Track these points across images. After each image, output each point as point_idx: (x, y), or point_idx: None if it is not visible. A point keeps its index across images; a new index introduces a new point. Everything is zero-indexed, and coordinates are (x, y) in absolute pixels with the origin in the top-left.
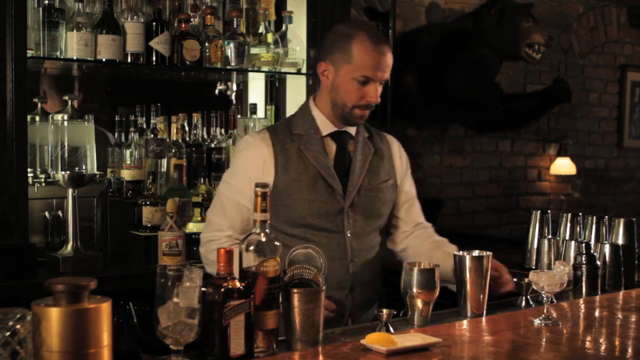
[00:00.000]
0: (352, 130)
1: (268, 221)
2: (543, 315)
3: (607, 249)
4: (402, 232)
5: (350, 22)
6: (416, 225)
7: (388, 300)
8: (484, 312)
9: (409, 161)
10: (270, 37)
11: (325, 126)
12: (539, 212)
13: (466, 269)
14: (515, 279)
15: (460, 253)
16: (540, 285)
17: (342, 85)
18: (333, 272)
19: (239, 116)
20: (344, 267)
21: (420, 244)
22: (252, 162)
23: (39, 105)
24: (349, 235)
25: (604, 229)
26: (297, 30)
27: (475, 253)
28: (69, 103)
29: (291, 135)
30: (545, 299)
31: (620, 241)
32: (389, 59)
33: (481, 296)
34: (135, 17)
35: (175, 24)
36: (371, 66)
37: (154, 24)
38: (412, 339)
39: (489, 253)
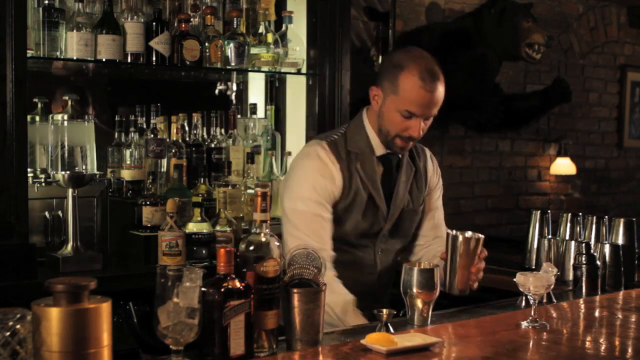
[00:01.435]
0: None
1: (268, 221)
2: (530, 318)
3: (607, 249)
4: (418, 245)
5: (407, 51)
6: (435, 238)
7: (388, 301)
8: (468, 290)
9: (440, 175)
10: (270, 37)
11: (378, 147)
12: (539, 212)
13: (457, 249)
14: (515, 279)
15: (454, 232)
16: (527, 287)
17: (387, 114)
18: (359, 282)
19: (239, 116)
20: (371, 279)
21: (432, 251)
22: (321, 174)
23: (39, 105)
24: (379, 253)
25: (604, 229)
26: (297, 30)
27: (468, 234)
28: (69, 103)
29: (348, 153)
30: (532, 301)
31: (620, 241)
32: (437, 96)
33: (468, 275)
34: (135, 17)
35: (175, 24)
36: (416, 103)
37: (154, 24)
38: (412, 339)
39: (481, 236)
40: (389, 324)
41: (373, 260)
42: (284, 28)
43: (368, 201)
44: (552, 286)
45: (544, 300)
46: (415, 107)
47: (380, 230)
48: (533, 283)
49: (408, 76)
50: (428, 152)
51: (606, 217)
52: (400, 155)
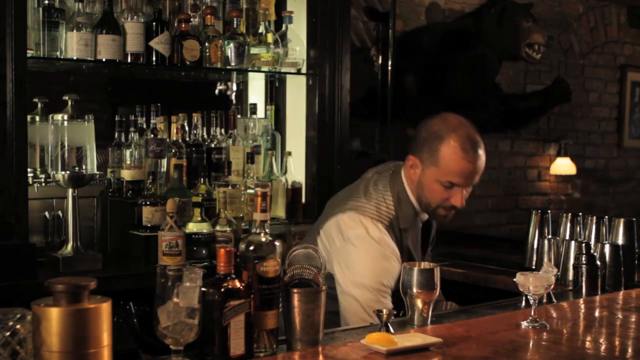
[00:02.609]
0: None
1: (268, 221)
2: (530, 318)
3: (607, 249)
4: None
5: (446, 119)
6: None
7: None
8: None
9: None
10: (270, 37)
11: (423, 215)
12: (539, 212)
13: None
14: (515, 279)
15: (409, 265)
16: (527, 287)
17: (427, 185)
18: None
19: (239, 116)
20: None
21: None
22: (389, 262)
23: (39, 105)
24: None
25: (604, 229)
26: (297, 30)
27: (426, 266)
28: (69, 103)
29: (400, 231)
30: (532, 301)
31: (620, 241)
32: (480, 165)
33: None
34: (135, 17)
35: (175, 24)
36: (458, 174)
37: (154, 24)
38: (412, 339)
39: (437, 265)
40: (389, 324)
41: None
42: (284, 28)
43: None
44: (552, 286)
45: (544, 300)
46: (458, 178)
47: None
48: (533, 283)
49: (450, 147)
50: None
51: (606, 217)
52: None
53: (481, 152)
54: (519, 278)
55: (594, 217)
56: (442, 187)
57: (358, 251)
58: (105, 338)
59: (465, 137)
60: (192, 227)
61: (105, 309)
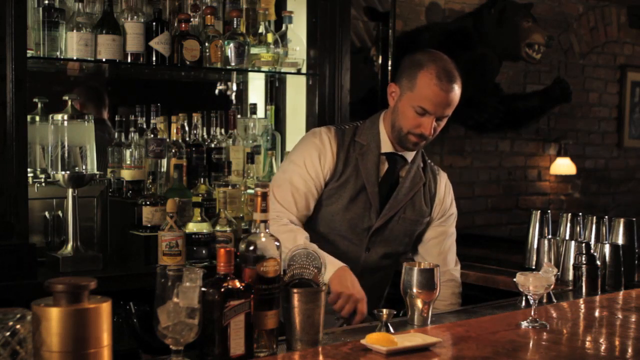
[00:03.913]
0: (408, 156)
1: (268, 221)
2: (530, 318)
3: (607, 249)
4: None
5: (429, 52)
6: (443, 273)
7: (388, 301)
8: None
9: (452, 204)
10: (270, 37)
11: (386, 144)
12: (539, 212)
13: (413, 281)
14: (515, 279)
15: (409, 265)
16: (527, 287)
17: (402, 110)
18: None
19: (239, 116)
20: None
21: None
22: (316, 152)
23: (39, 105)
24: (366, 252)
25: (604, 229)
26: (297, 30)
27: (426, 265)
28: (69, 103)
29: (354, 142)
30: (532, 301)
31: (620, 241)
32: (453, 97)
33: (429, 306)
34: (135, 17)
35: (175, 24)
36: (430, 100)
37: (154, 24)
38: (412, 339)
39: (437, 265)
40: (389, 324)
41: (358, 258)
42: (284, 28)
43: (360, 191)
44: (552, 286)
45: (544, 300)
46: (429, 105)
47: (371, 227)
48: (533, 283)
49: (427, 74)
50: (445, 178)
51: (606, 217)
52: (409, 160)
53: (456, 86)
54: (519, 278)
55: (594, 217)
56: (414, 113)
57: (298, 142)
58: (105, 338)
59: (442, 68)
60: (192, 227)
61: (105, 309)
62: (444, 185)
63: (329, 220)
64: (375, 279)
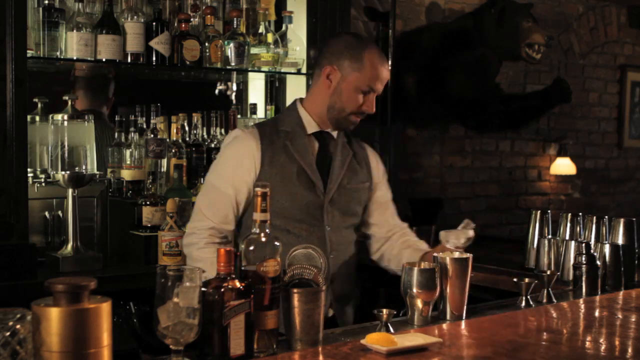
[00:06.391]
0: (333, 132)
1: (268, 221)
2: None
3: (607, 249)
4: (376, 240)
5: (356, 34)
6: (390, 229)
7: (388, 301)
8: (464, 313)
9: (385, 170)
10: (270, 37)
11: (310, 125)
12: (539, 212)
13: (447, 271)
14: (515, 279)
15: (440, 255)
16: (447, 240)
17: (346, 92)
18: None
19: (239, 116)
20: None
21: (392, 246)
22: (241, 155)
23: (39, 105)
24: (328, 229)
25: (604, 229)
26: (297, 30)
27: (456, 255)
28: (69, 103)
29: (278, 131)
30: (457, 253)
31: (620, 241)
32: (389, 74)
33: (461, 298)
34: (135, 17)
35: (175, 24)
36: (378, 79)
37: (154, 24)
38: (412, 339)
39: (470, 255)
40: (389, 324)
41: (324, 237)
42: (284, 28)
43: (300, 174)
44: (470, 240)
45: (544, 300)
46: (378, 83)
47: (322, 204)
48: (453, 236)
49: (372, 55)
50: (372, 150)
51: (606, 217)
52: (335, 136)
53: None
54: (442, 234)
55: (594, 217)
56: (360, 94)
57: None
58: (105, 338)
59: (376, 48)
60: None
61: (105, 309)
62: (373, 155)
63: (280, 209)
64: (345, 252)
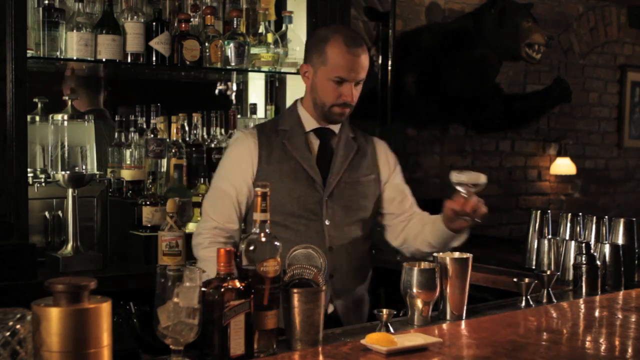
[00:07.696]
0: (335, 128)
1: (268, 221)
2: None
3: (607, 249)
4: (397, 227)
5: (330, 26)
6: (410, 215)
7: (388, 301)
8: (464, 313)
9: (397, 161)
10: (270, 37)
11: (309, 123)
12: (539, 212)
13: (447, 271)
14: (515, 279)
15: (440, 255)
16: (462, 179)
17: (320, 86)
18: None
19: (239, 116)
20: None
21: (412, 227)
22: (240, 155)
23: (39, 105)
24: (327, 223)
25: (604, 229)
26: (297, 30)
27: (456, 255)
28: (69, 103)
29: (277, 131)
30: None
31: (620, 241)
32: (363, 60)
33: (461, 298)
34: (135, 17)
35: (175, 24)
36: (344, 67)
37: (154, 24)
38: (412, 339)
39: (469, 255)
40: (389, 324)
41: (321, 232)
42: (284, 28)
43: (298, 170)
44: (481, 186)
45: (544, 300)
46: (344, 72)
47: (321, 199)
48: (467, 176)
49: (334, 45)
50: (383, 143)
51: (606, 217)
52: (337, 132)
53: (363, 49)
54: (453, 174)
55: (594, 217)
56: (333, 85)
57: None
58: (105, 338)
59: (346, 35)
60: (192, 227)
61: (105, 309)
62: (382, 148)
63: (278, 205)
64: (347, 248)
